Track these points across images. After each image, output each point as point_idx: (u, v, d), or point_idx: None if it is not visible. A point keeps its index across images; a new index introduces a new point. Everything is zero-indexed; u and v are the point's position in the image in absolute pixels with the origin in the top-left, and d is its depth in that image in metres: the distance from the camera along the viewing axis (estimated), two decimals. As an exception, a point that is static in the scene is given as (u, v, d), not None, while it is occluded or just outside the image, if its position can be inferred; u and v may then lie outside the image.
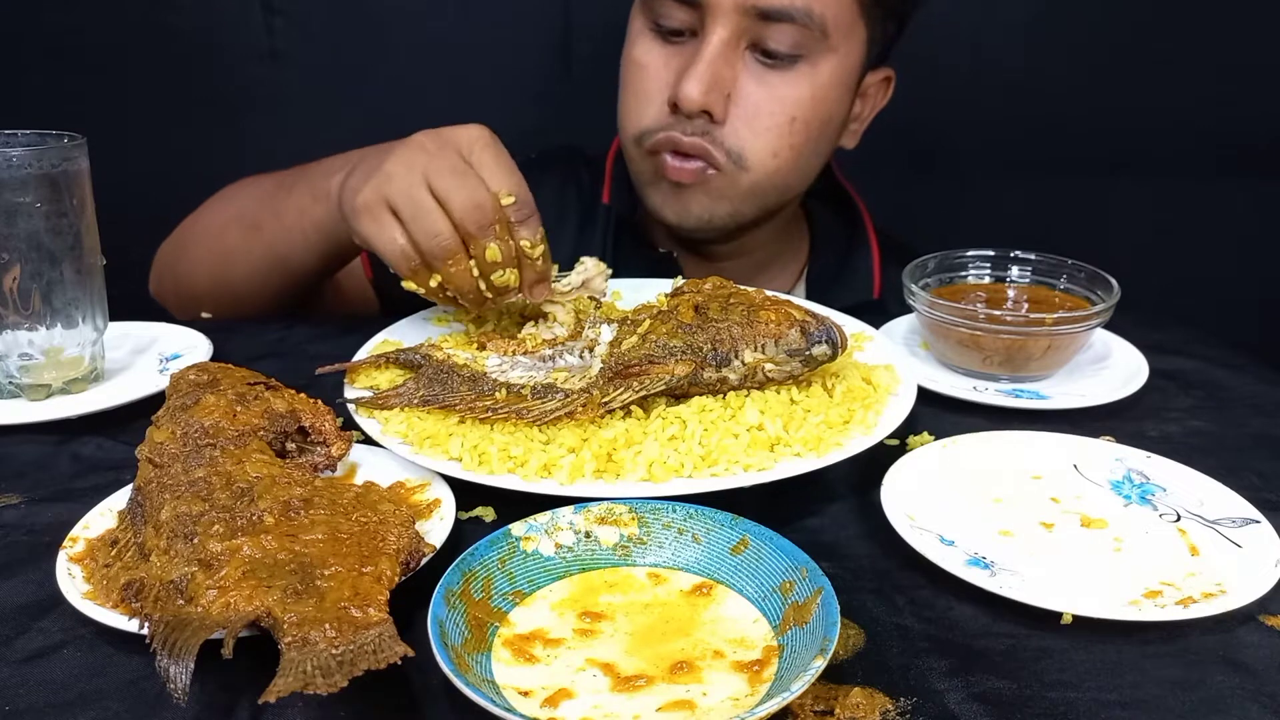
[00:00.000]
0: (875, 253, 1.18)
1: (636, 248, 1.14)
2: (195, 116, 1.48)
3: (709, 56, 0.95)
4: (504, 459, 0.68)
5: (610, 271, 0.90)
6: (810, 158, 1.04)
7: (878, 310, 1.02)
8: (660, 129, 1.01)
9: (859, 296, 1.12)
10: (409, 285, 0.80)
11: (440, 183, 0.76)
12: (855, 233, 1.20)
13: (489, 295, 0.79)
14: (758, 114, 0.98)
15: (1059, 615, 0.57)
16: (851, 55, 1.01)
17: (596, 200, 1.16)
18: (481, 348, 0.82)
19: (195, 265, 1.07)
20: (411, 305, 0.94)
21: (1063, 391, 0.86)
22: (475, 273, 0.78)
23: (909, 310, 0.93)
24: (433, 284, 0.79)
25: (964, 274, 0.97)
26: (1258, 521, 0.64)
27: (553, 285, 0.83)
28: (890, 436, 0.72)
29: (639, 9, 1.03)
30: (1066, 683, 0.53)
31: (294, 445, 0.70)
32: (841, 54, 0.99)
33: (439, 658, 0.48)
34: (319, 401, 0.73)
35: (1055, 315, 0.85)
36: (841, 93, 1.03)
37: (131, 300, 1.00)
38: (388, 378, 0.81)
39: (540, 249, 0.79)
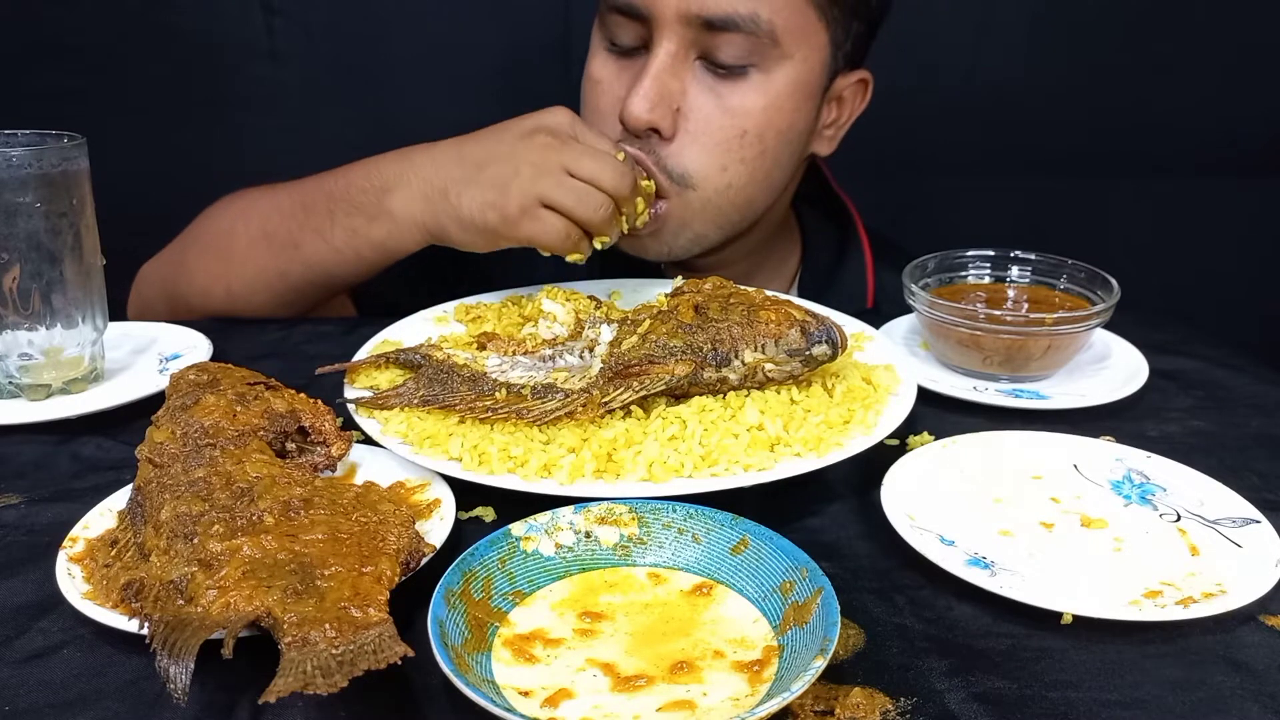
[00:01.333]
0: (868, 259, 1.17)
1: (625, 265, 1.11)
2: (195, 116, 1.47)
3: (654, 70, 0.92)
4: (504, 459, 0.68)
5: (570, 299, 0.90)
6: (771, 170, 0.99)
7: (874, 316, 1.01)
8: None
9: (852, 304, 1.11)
10: (573, 258, 0.89)
11: (582, 168, 0.86)
12: (847, 239, 1.18)
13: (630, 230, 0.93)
14: (707, 128, 0.94)
15: (1059, 615, 0.57)
16: (810, 60, 0.96)
17: None
18: (481, 348, 0.82)
19: (209, 281, 1.04)
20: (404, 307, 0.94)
21: (1063, 391, 0.86)
22: (625, 224, 0.91)
23: (904, 313, 0.93)
24: (598, 245, 0.90)
25: (964, 274, 0.97)
26: (1258, 521, 0.64)
27: (542, 335, 0.85)
28: (890, 436, 0.72)
29: (597, 25, 1.01)
30: (1066, 683, 0.53)
31: (294, 445, 0.70)
32: (798, 60, 0.95)
33: (439, 658, 0.48)
34: (319, 401, 0.73)
35: (1055, 315, 0.85)
36: (801, 100, 0.98)
37: (131, 300, 1.00)
38: (388, 378, 0.81)
39: (648, 181, 0.93)
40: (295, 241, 0.99)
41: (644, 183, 0.92)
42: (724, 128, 0.95)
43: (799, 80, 0.96)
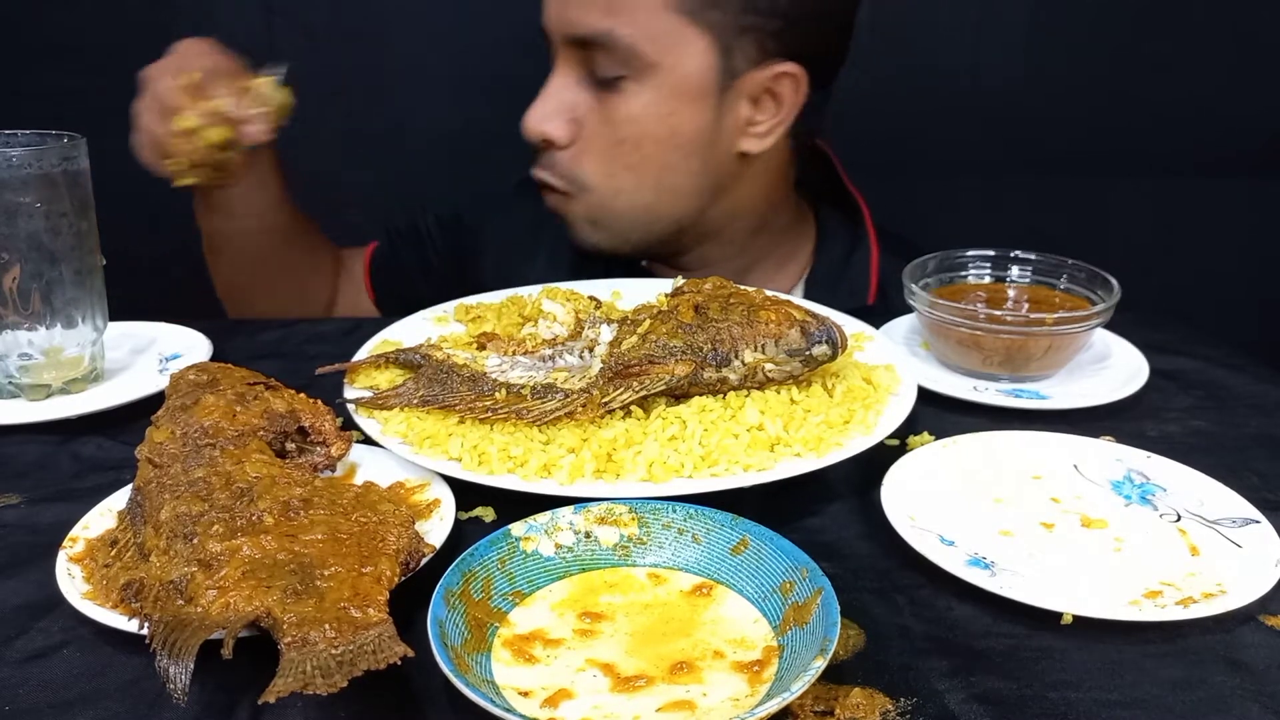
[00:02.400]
0: (874, 253, 1.17)
1: (608, 269, 1.11)
2: (195, 116, 1.47)
3: (549, 86, 1.00)
4: (504, 459, 0.68)
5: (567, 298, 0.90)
6: (661, 175, 1.02)
7: (879, 310, 1.01)
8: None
9: (855, 300, 1.11)
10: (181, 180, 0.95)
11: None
12: (858, 234, 1.18)
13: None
14: (592, 137, 1.00)
15: (1059, 615, 0.57)
16: (685, 66, 0.97)
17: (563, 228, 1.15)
18: (481, 348, 0.82)
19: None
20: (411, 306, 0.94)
21: (1063, 391, 0.86)
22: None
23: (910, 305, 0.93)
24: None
25: (964, 274, 0.97)
26: (1258, 521, 0.64)
27: (542, 335, 0.84)
28: (890, 436, 0.72)
29: None
30: (1067, 683, 0.53)
31: (294, 445, 0.70)
32: (667, 68, 0.96)
33: (439, 658, 0.48)
34: (319, 401, 0.73)
35: (1055, 315, 0.85)
36: (681, 105, 0.98)
37: (131, 300, 1.00)
38: (387, 378, 0.81)
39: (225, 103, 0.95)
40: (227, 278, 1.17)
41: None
42: (604, 137, 1.00)
43: (673, 87, 0.98)
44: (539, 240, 1.18)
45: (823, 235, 1.20)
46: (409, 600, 0.55)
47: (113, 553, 0.60)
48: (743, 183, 1.06)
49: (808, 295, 1.14)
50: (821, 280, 1.16)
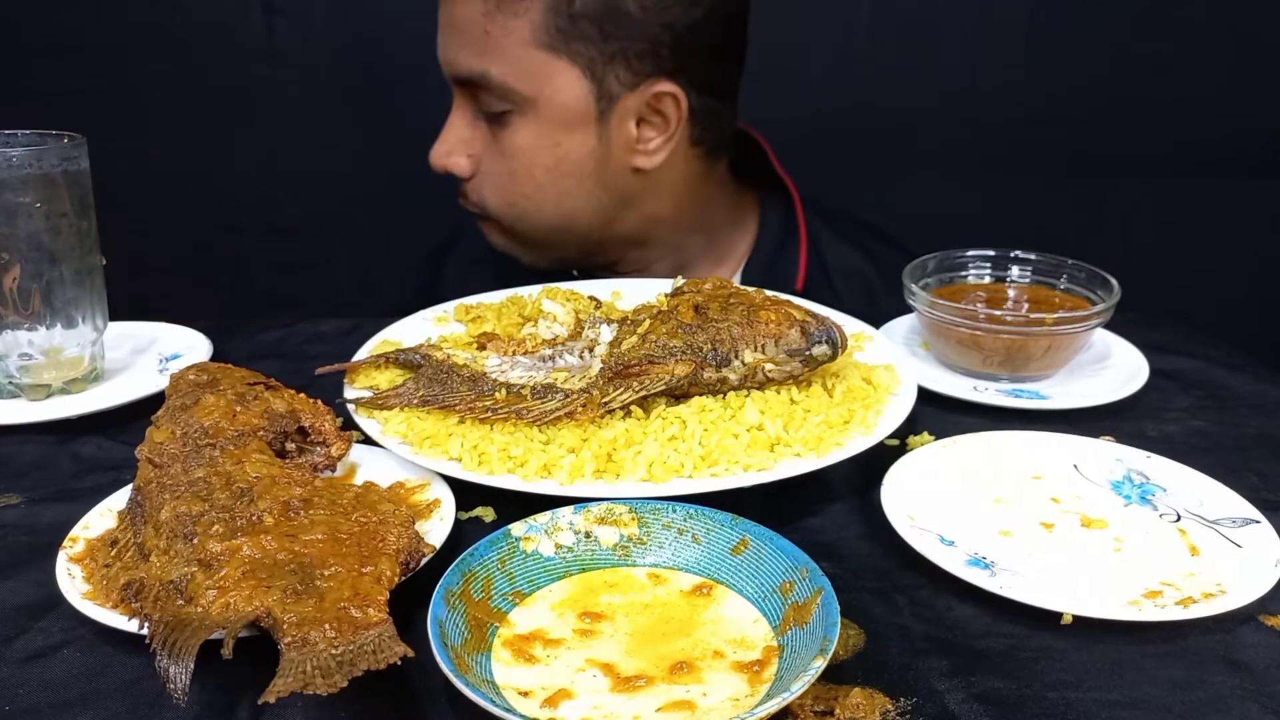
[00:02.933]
0: (803, 239, 1.18)
1: (532, 277, 1.12)
2: (195, 117, 1.48)
3: (450, 122, 1.05)
4: (504, 459, 0.68)
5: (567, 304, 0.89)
6: (560, 200, 1.06)
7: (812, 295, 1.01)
8: None
9: (784, 286, 1.11)
10: None
11: None
12: (790, 221, 1.20)
13: None
14: (490, 170, 1.06)
15: (1059, 615, 0.57)
16: (561, 96, 1.00)
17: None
18: (481, 348, 0.82)
19: None
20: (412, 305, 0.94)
21: (1063, 391, 0.86)
22: None
23: (847, 285, 0.92)
24: None
25: (964, 274, 0.97)
26: (1258, 521, 0.64)
27: (542, 335, 0.84)
28: (890, 436, 0.72)
29: None
30: (1066, 683, 0.53)
31: (294, 445, 0.70)
32: (544, 99, 1.00)
33: (439, 658, 0.48)
34: (319, 401, 0.73)
35: (1055, 315, 0.85)
36: (563, 134, 1.02)
37: (131, 300, 1.00)
38: (387, 378, 0.81)
39: None
40: None
41: None
42: (499, 169, 1.06)
43: (553, 117, 1.02)
44: (476, 255, 1.22)
45: (762, 225, 1.21)
46: (409, 600, 0.55)
47: (113, 553, 0.60)
48: (650, 195, 1.09)
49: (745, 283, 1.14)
50: (755, 269, 1.18)
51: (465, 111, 1.05)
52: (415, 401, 0.74)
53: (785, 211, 1.20)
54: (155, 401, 0.74)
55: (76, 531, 0.63)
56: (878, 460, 0.71)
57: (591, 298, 0.90)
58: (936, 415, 0.82)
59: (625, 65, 1.01)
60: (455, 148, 1.06)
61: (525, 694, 0.50)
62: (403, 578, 0.56)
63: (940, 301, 0.88)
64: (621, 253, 1.15)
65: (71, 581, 0.58)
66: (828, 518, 0.68)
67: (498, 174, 1.06)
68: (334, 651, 0.48)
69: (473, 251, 1.22)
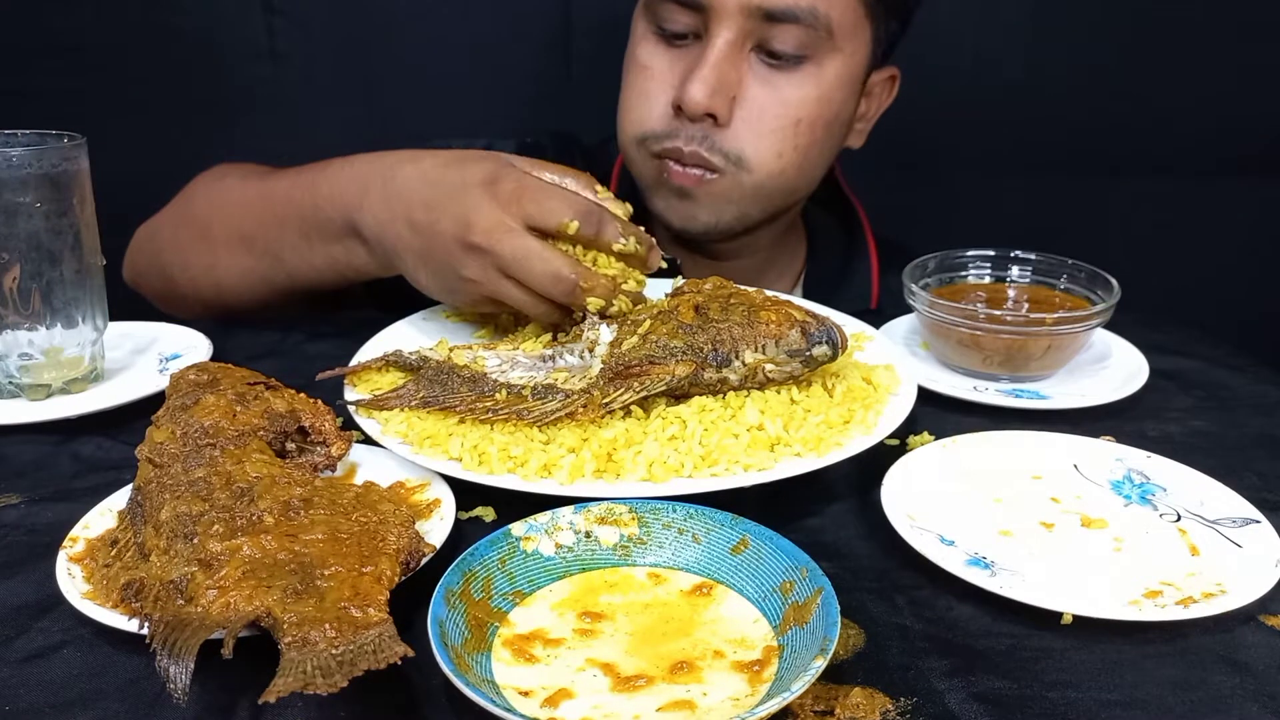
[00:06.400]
0: (874, 260, 1.18)
1: None
2: (195, 117, 1.47)
3: (713, 59, 0.95)
4: (504, 459, 0.68)
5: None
6: (816, 159, 1.04)
7: (875, 318, 1.01)
8: (664, 133, 1.00)
9: (856, 305, 1.11)
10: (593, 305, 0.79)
11: (519, 271, 0.76)
12: (854, 240, 1.20)
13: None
14: (763, 116, 0.98)
15: (1059, 615, 0.57)
16: (857, 55, 1.01)
17: None
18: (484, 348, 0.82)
19: (198, 274, 1.02)
20: (415, 303, 0.94)
21: (1063, 391, 0.86)
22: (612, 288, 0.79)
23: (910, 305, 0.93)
24: (592, 308, 0.78)
25: (964, 274, 0.97)
26: (1258, 521, 0.64)
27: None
28: (890, 436, 0.72)
29: (641, 12, 1.03)
30: (1066, 683, 0.53)
31: (294, 445, 0.70)
32: (847, 54, 0.99)
33: (439, 658, 0.48)
34: (319, 401, 0.73)
35: (1055, 315, 0.85)
36: (847, 93, 1.02)
37: (131, 300, 1.00)
38: (388, 380, 0.81)
39: (630, 241, 0.80)
40: (276, 254, 0.96)
41: (621, 247, 0.80)
42: (779, 116, 0.98)
43: (847, 73, 1.01)
44: None
45: (815, 241, 1.21)
46: (409, 600, 0.55)
47: (113, 553, 0.60)
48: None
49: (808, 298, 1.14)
50: (817, 286, 1.17)
51: (735, 51, 0.96)
52: (415, 403, 0.74)
53: (841, 231, 1.21)
54: (155, 401, 0.74)
55: (76, 531, 0.63)
56: (878, 460, 0.71)
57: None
58: (936, 415, 0.82)
59: (889, 41, 1.05)
60: (720, 88, 0.95)
61: (525, 694, 0.50)
62: (403, 578, 0.56)
63: (940, 301, 0.88)
64: (750, 233, 1.09)
65: (71, 581, 0.58)
66: (828, 518, 0.68)
67: (773, 122, 0.98)
68: (334, 651, 0.48)
69: None
